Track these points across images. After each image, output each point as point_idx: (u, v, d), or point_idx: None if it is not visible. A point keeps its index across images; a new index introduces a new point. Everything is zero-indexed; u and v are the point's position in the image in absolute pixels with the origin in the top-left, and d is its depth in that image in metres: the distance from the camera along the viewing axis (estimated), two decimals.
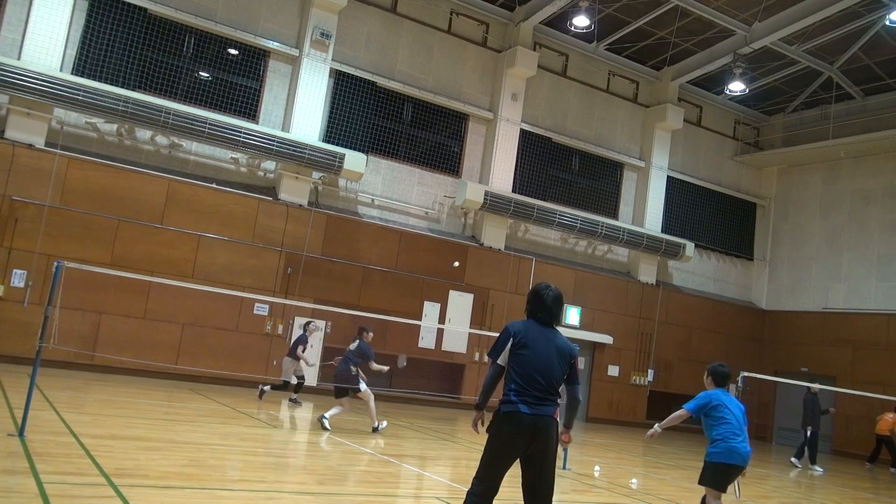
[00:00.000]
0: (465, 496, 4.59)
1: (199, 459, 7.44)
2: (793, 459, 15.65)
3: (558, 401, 4.59)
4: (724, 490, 6.13)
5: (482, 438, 4.62)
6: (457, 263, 18.22)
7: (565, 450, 7.52)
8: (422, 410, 16.62)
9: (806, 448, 15.60)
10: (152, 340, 15.04)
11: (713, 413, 6.14)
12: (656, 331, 21.78)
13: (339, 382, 11.17)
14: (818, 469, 15.24)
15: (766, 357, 23.49)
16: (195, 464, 7.14)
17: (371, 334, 11.58)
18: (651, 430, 6.50)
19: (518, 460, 4.56)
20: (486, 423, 4.69)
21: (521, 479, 4.61)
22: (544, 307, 4.69)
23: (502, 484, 4.59)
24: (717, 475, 6.04)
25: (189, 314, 15.52)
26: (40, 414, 8.41)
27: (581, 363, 20.27)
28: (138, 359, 14.01)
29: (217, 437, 9.34)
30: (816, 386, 15.71)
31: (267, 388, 13.71)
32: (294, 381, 13.91)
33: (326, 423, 10.84)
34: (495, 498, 4.60)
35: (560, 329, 4.79)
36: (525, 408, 4.42)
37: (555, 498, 4.68)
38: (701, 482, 6.17)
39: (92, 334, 14.55)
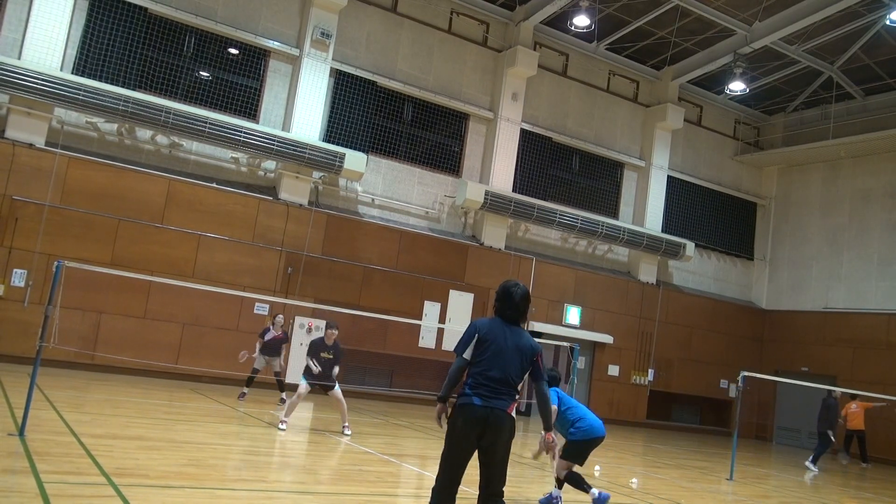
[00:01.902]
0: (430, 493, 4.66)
1: (199, 459, 7.44)
2: (808, 464, 15.28)
3: (517, 397, 4.71)
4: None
5: None
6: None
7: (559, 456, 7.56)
8: (422, 410, 16.62)
9: (818, 449, 15.51)
10: (152, 340, 15.04)
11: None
12: (656, 330, 21.78)
13: (324, 381, 10.80)
14: (814, 469, 15.13)
15: (766, 357, 23.50)
16: (195, 464, 7.14)
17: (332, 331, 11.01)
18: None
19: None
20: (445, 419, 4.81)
21: (480, 474, 4.68)
22: (511, 304, 4.81)
23: (503, 483, 4.60)
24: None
25: (189, 314, 15.52)
26: (40, 414, 8.41)
27: (581, 363, 20.28)
28: (138, 359, 14.01)
29: (217, 437, 9.34)
30: (838, 390, 15.60)
31: (246, 390, 13.66)
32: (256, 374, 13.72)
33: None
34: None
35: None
36: (478, 400, 4.54)
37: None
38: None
39: (92, 334, 14.55)
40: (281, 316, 13.88)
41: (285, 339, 13.88)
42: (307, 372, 10.76)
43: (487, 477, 4.60)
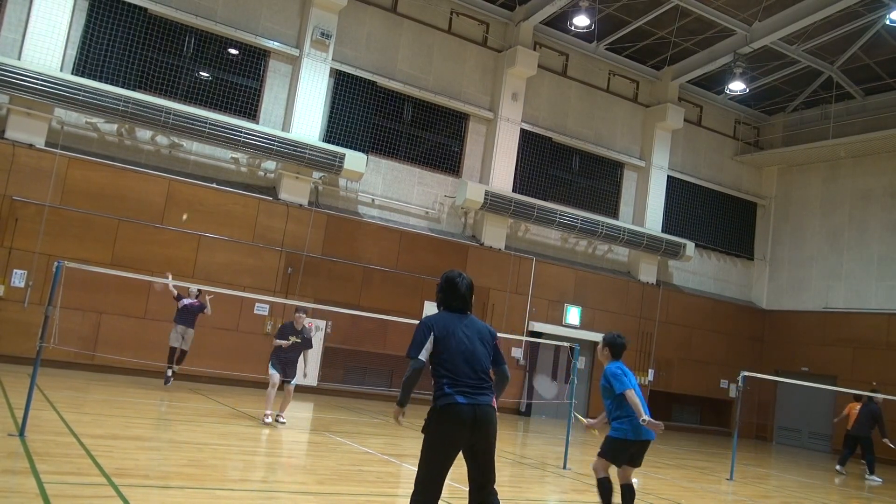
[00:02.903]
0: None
1: (199, 459, 7.44)
2: (867, 476, 14.99)
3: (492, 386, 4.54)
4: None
5: None
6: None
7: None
8: (422, 410, 16.59)
9: (858, 457, 15.30)
10: (152, 340, 15.01)
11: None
12: (656, 330, 21.78)
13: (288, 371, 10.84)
14: (877, 479, 14.78)
15: (766, 357, 23.49)
16: (195, 464, 7.14)
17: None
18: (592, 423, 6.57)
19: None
20: (405, 417, 4.63)
21: (468, 475, 4.51)
22: (458, 295, 4.61)
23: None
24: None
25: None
26: (41, 414, 8.41)
27: (581, 363, 20.27)
28: (138, 359, 14.00)
29: (217, 437, 9.34)
30: (880, 396, 15.28)
31: (170, 372, 13.42)
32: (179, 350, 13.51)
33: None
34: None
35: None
36: (462, 398, 4.31)
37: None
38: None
39: (92, 334, 14.55)
40: (195, 287, 13.42)
41: (201, 308, 13.55)
42: (274, 357, 10.84)
43: (479, 471, 4.42)
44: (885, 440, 14.95)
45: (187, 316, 13.49)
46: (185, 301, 13.48)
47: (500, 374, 4.67)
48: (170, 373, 13.47)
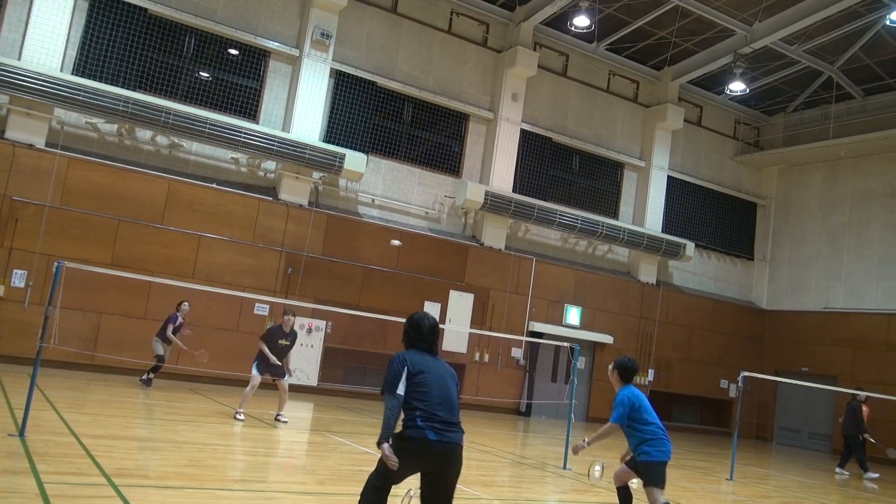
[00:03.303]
0: (365, 483, 4.55)
1: (199, 459, 7.44)
2: (863, 474, 14.97)
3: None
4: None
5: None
6: (396, 242, 17.50)
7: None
8: None
9: (852, 455, 15.30)
10: (152, 341, 15.01)
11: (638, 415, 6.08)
12: (656, 331, 21.78)
13: (276, 371, 10.98)
14: (873, 474, 14.79)
15: (766, 357, 23.49)
16: (195, 464, 7.14)
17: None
18: (577, 444, 6.37)
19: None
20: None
21: (420, 490, 4.54)
22: (422, 336, 4.72)
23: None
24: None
25: (189, 314, 15.47)
26: (41, 414, 8.41)
27: (581, 363, 20.28)
28: (138, 359, 14.00)
29: (217, 437, 9.34)
30: (863, 394, 15.45)
31: (146, 376, 13.46)
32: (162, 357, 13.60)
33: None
34: None
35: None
36: (433, 434, 4.34)
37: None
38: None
39: (92, 334, 14.55)
40: (187, 304, 13.82)
41: (179, 327, 13.80)
42: (261, 361, 10.87)
43: (434, 499, 4.47)
44: (866, 436, 15.09)
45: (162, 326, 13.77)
46: (178, 322, 13.68)
47: None
48: (146, 376, 13.60)
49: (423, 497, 4.52)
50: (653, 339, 21.72)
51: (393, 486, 4.52)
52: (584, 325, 20.47)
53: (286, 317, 11.05)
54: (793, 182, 24.48)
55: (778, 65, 21.48)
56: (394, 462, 4.31)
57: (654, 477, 5.99)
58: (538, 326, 19.41)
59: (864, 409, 15.69)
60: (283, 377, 11.01)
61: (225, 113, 16.49)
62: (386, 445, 4.34)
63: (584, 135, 21.46)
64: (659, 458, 5.98)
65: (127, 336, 14.80)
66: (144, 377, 13.57)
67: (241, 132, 15.98)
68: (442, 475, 4.44)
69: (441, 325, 16.62)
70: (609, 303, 21.00)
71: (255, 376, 10.85)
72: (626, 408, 6.06)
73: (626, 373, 6.33)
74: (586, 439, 6.29)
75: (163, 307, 15.21)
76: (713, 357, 22.81)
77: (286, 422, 10.93)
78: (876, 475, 14.82)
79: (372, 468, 4.57)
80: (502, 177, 19.46)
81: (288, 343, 11.02)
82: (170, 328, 13.54)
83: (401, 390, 4.41)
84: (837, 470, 15.32)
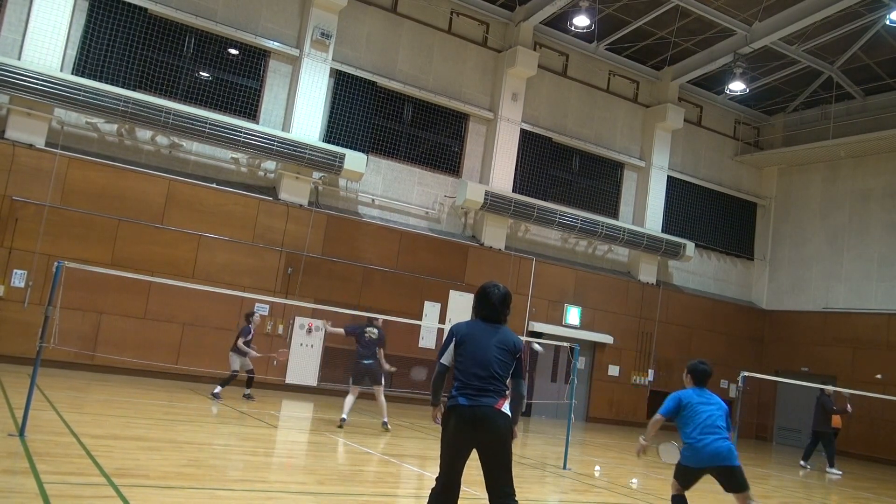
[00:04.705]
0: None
1: (199, 459, 7.45)
2: (828, 469, 15.06)
3: (507, 393, 4.62)
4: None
5: None
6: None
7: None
8: (422, 410, 16.62)
9: (816, 450, 15.42)
10: (152, 340, 15.03)
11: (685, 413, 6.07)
12: (656, 330, 21.78)
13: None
14: (836, 472, 14.85)
15: (766, 357, 23.49)
16: (195, 464, 7.14)
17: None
18: (640, 446, 6.38)
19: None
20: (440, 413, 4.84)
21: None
22: (489, 305, 4.79)
23: (511, 483, 4.56)
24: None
25: (189, 314, 15.52)
26: (41, 414, 8.41)
27: (581, 363, 20.27)
28: (138, 359, 14.01)
29: (217, 437, 9.34)
30: (830, 388, 15.55)
31: (217, 389, 13.05)
32: (237, 373, 13.39)
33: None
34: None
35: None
36: (464, 400, 4.51)
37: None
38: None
39: (92, 334, 14.55)
40: (258, 314, 14.00)
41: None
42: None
43: (491, 478, 4.54)
44: (827, 431, 15.37)
45: (235, 340, 13.61)
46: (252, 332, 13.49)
47: (515, 388, 4.78)
48: (217, 389, 13.13)
49: (486, 480, 4.57)
50: (653, 339, 21.72)
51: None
52: (584, 325, 20.47)
53: (372, 324, 12.00)
54: (793, 182, 24.47)
55: (778, 65, 21.48)
56: (436, 419, 4.78)
57: (675, 472, 6.20)
58: (538, 326, 19.41)
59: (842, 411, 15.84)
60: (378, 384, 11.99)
61: (225, 113, 16.49)
62: (433, 408, 4.87)
63: (584, 135, 21.46)
64: (682, 461, 6.06)
65: (127, 336, 14.81)
66: (246, 393, 13.52)
67: (241, 132, 15.98)
68: (484, 445, 4.51)
69: (440, 326, 16.86)
70: (609, 303, 21.00)
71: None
72: (673, 403, 6.13)
73: (698, 375, 6.26)
74: (642, 437, 6.33)
75: (163, 307, 15.24)
76: (713, 357, 22.74)
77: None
78: (839, 473, 14.88)
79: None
80: (502, 177, 19.46)
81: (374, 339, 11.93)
82: (240, 340, 13.32)
83: (445, 359, 4.73)
84: (801, 462, 15.49)
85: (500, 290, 4.84)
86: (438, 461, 4.64)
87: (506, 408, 4.56)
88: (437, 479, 4.61)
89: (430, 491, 4.66)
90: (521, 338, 4.90)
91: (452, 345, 4.70)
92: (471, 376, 4.55)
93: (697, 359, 6.47)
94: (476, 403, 4.48)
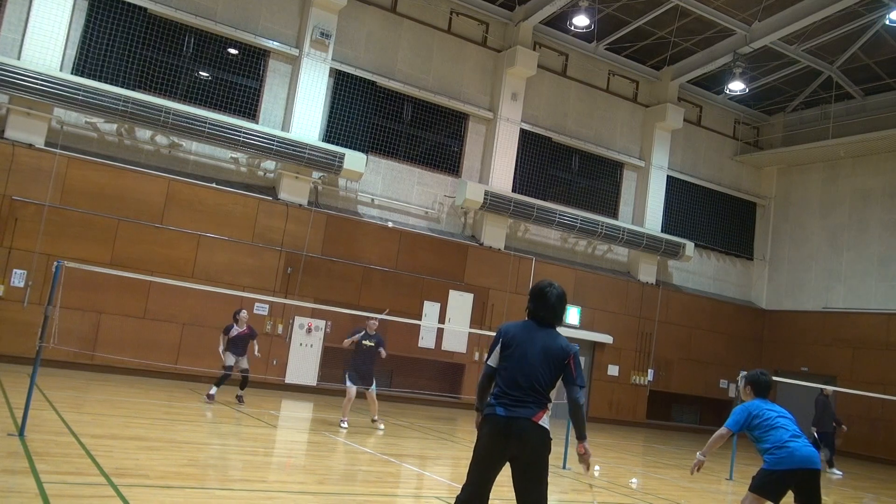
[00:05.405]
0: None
1: (198, 459, 7.45)
2: (827, 470, 14.90)
3: (548, 404, 4.40)
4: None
5: None
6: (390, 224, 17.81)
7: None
8: (422, 410, 16.62)
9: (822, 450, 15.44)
10: (152, 340, 15.03)
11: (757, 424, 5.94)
12: (656, 330, 21.78)
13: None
14: (837, 472, 14.87)
15: (766, 357, 23.48)
16: (195, 464, 7.14)
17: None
18: (696, 461, 6.24)
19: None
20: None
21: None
22: (547, 306, 4.52)
23: (504, 483, 4.54)
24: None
25: (189, 314, 15.51)
26: (40, 414, 8.41)
27: (581, 363, 20.25)
28: (138, 359, 14.01)
29: (217, 437, 9.34)
30: (830, 388, 15.55)
31: (213, 390, 12.65)
32: (230, 372, 12.85)
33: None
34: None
35: (561, 329, 4.65)
36: (501, 410, 4.30)
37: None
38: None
39: (92, 334, 14.54)
40: (244, 311, 13.12)
41: (251, 334, 13.05)
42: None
43: (521, 493, 4.29)
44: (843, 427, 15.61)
45: (238, 346, 12.83)
46: (233, 333, 12.76)
47: (569, 396, 4.49)
48: (213, 390, 12.73)
49: (516, 495, 4.35)
50: (652, 339, 21.72)
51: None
52: (584, 325, 20.47)
53: (366, 333, 11.93)
54: (792, 182, 24.47)
55: (777, 64, 21.48)
56: (478, 426, 4.45)
57: (754, 483, 5.98)
58: None
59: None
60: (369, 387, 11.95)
61: (224, 112, 16.49)
62: (477, 413, 4.52)
63: (584, 134, 21.46)
64: (772, 466, 5.87)
65: (126, 336, 14.80)
66: (211, 392, 12.71)
67: (240, 132, 15.98)
68: (518, 458, 4.28)
69: (440, 325, 16.84)
70: (609, 303, 21.00)
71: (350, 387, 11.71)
72: (743, 416, 6.01)
73: (760, 386, 6.15)
74: (701, 452, 6.21)
75: (162, 307, 15.23)
76: (713, 357, 22.81)
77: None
78: (839, 473, 14.86)
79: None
80: (502, 176, 19.46)
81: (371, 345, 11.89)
82: (222, 339, 12.74)
83: (492, 361, 4.49)
84: (831, 470, 15.32)
85: (556, 290, 4.55)
86: (467, 472, 4.42)
87: (544, 420, 4.34)
88: (463, 488, 4.37)
89: (454, 498, 4.42)
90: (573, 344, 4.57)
91: (499, 346, 4.47)
92: (511, 384, 4.33)
93: (758, 369, 6.30)
94: (512, 415, 4.26)
